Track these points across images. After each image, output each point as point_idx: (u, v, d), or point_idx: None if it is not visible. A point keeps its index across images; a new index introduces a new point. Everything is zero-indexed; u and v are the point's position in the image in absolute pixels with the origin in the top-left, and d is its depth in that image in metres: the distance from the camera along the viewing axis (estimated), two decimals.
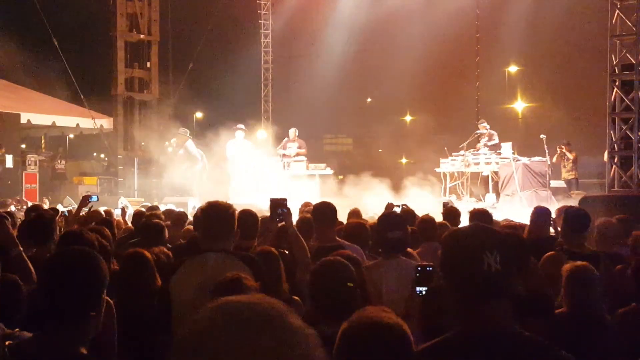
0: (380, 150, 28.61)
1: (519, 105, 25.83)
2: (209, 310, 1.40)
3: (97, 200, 9.35)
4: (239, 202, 11.48)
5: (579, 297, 4.24)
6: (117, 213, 11.36)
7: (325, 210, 6.20)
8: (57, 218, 7.04)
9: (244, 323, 1.35)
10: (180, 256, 5.10)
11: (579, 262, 4.40)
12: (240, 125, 19.15)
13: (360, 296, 3.75)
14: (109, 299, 3.93)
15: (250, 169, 18.68)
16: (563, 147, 19.05)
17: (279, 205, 5.55)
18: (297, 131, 20.02)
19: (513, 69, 25.92)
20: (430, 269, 3.56)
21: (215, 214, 4.48)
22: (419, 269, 3.63)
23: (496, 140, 18.26)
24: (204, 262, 4.33)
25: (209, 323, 1.37)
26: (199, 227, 5.59)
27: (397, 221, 5.26)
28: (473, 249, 2.30)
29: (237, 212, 4.62)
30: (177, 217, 8.86)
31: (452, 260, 2.37)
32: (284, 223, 5.65)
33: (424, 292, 3.54)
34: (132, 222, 8.90)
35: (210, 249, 4.37)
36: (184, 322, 1.44)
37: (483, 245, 2.30)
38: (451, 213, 8.32)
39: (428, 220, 7.36)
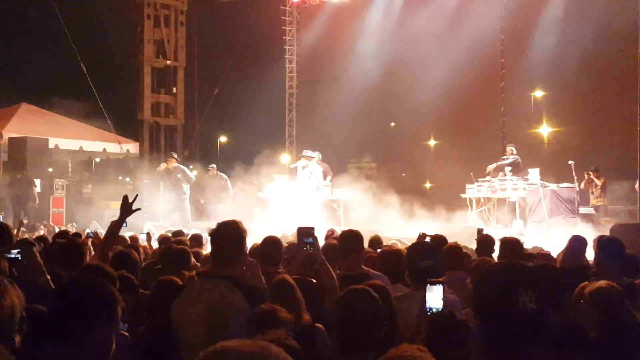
0: (404, 175, 28.50)
1: (545, 129, 25.65)
2: (205, 356, 1.37)
3: (126, 225, 9.39)
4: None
5: (607, 317, 4.07)
6: (142, 238, 11.39)
7: (352, 239, 6.16)
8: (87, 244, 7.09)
9: None
10: None
11: (602, 282, 4.28)
12: (305, 152, 18.99)
13: (389, 328, 3.69)
14: (124, 332, 3.93)
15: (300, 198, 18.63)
16: (591, 173, 18.87)
17: (306, 234, 5.52)
18: (320, 155, 20.01)
19: (539, 93, 25.76)
20: (440, 285, 3.50)
21: (219, 237, 4.34)
22: (429, 285, 3.56)
23: (516, 163, 17.98)
24: (202, 288, 4.24)
25: None
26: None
27: (429, 250, 5.20)
28: (507, 288, 2.25)
29: (244, 234, 4.40)
30: (198, 241, 8.91)
31: (485, 299, 2.32)
32: (311, 251, 5.61)
33: (434, 310, 3.47)
34: (158, 247, 8.92)
35: (214, 275, 4.26)
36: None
37: (517, 283, 2.25)
38: (485, 241, 8.15)
39: (455, 247, 7.20)
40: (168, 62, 23.57)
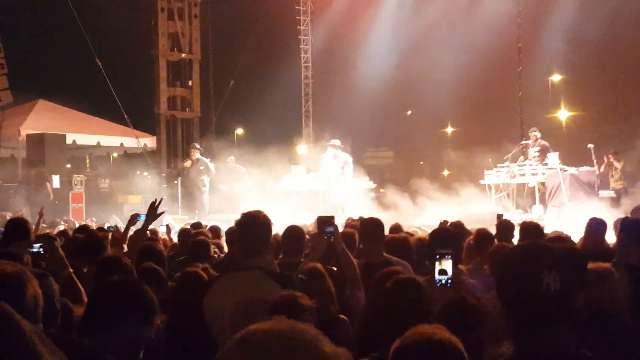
0: (421, 163, 28.47)
1: (563, 114, 25.52)
2: (234, 343, 1.37)
3: (145, 218, 9.44)
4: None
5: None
6: (162, 231, 11.45)
7: (373, 226, 6.19)
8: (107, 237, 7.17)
9: (274, 355, 1.31)
10: (219, 272, 5.10)
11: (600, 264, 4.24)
12: (333, 141, 18.89)
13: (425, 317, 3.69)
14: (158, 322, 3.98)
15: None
16: (610, 156, 18.76)
17: (326, 223, 5.54)
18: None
19: (556, 77, 25.63)
20: (449, 257, 3.48)
21: (247, 227, 4.33)
22: (438, 256, 3.55)
23: (548, 157, 17.81)
24: (235, 281, 4.22)
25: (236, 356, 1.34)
26: (235, 242, 5.61)
27: (449, 237, 5.20)
28: (530, 269, 2.26)
29: (271, 224, 4.41)
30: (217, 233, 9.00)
31: (508, 281, 2.32)
32: (332, 240, 5.63)
33: (442, 281, 3.46)
34: (178, 240, 8.98)
35: (244, 267, 4.26)
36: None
37: (540, 264, 2.25)
38: (505, 226, 8.13)
39: (486, 234, 7.06)
40: (183, 55, 23.63)
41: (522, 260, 2.33)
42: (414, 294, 3.53)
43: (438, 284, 3.51)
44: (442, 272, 3.50)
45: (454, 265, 3.49)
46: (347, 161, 18.25)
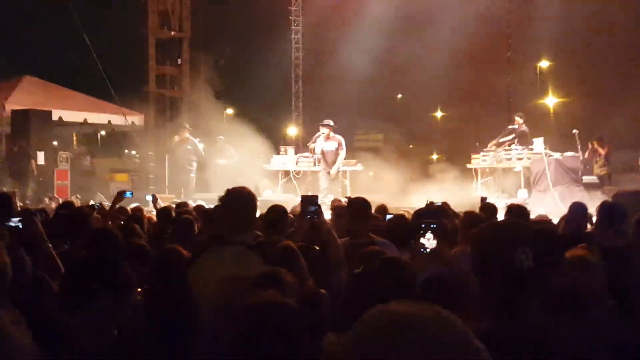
0: (411, 147, 28.50)
1: (551, 100, 25.59)
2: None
3: (132, 195, 9.44)
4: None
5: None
6: (149, 208, 11.47)
7: (360, 206, 6.21)
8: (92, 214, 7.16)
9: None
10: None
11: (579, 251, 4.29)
12: (327, 121, 18.70)
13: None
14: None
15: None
16: (595, 142, 18.86)
17: (310, 203, 5.55)
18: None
19: (544, 64, 25.69)
20: (434, 226, 3.48)
21: (233, 203, 4.33)
22: (423, 225, 3.53)
23: (523, 134, 17.85)
24: (220, 256, 4.20)
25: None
26: (219, 219, 5.61)
27: (433, 212, 5.23)
28: (504, 245, 2.29)
29: (256, 200, 4.43)
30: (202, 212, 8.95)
31: (483, 256, 2.36)
32: (315, 219, 5.64)
33: (428, 251, 3.45)
34: (158, 219, 8.90)
35: (229, 242, 4.24)
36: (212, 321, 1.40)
37: (515, 241, 2.28)
38: (488, 209, 8.21)
39: (475, 217, 6.74)
40: (173, 33, 23.51)
41: (497, 237, 2.36)
42: (396, 272, 3.56)
43: (423, 252, 3.52)
44: (427, 241, 3.52)
45: (438, 236, 3.51)
46: (341, 143, 18.15)
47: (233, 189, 4.42)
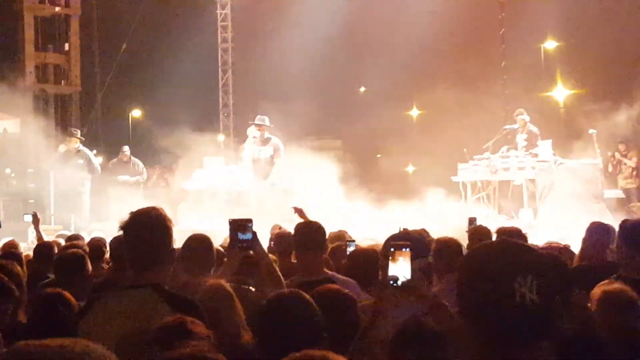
0: (379, 156, 28.58)
1: (560, 92, 25.89)
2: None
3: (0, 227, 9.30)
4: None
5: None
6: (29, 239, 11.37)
7: (310, 233, 6.21)
8: None
9: None
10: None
11: (615, 285, 4.34)
12: (260, 118, 18.55)
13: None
14: None
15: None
16: (619, 148, 19.10)
17: (241, 229, 5.48)
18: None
19: (550, 44, 25.98)
20: (407, 249, 3.47)
21: (138, 230, 4.24)
22: (392, 249, 3.53)
23: (537, 144, 18.08)
24: (120, 304, 4.14)
25: None
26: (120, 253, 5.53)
27: (408, 237, 5.19)
28: (501, 275, 2.24)
29: (170, 224, 4.33)
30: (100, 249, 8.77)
31: (473, 290, 2.31)
32: (249, 251, 5.59)
33: (399, 281, 3.44)
34: (34, 258, 8.65)
35: (134, 285, 4.19)
36: None
37: (514, 268, 2.24)
38: (479, 233, 8.20)
39: (448, 243, 6.90)
40: (57, 8, 23.31)
41: (491, 263, 2.31)
42: (296, 312, 3.60)
43: (393, 284, 3.47)
44: (398, 270, 3.47)
45: (413, 262, 3.47)
46: (279, 147, 18.12)
47: (138, 211, 4.35)
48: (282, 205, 18.47)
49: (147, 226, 4.23)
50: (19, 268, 6.52)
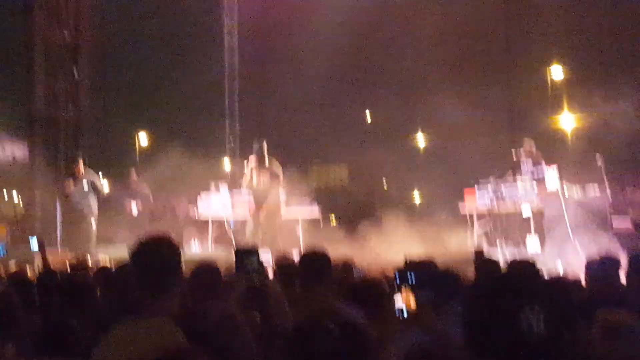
0: (385, 183, 28.57)
1: (567, 117, 25.85)
2: None
3: (6, 253, 9.31)
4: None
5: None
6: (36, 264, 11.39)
7: (315, 263, 6.20)
8: None
9: None
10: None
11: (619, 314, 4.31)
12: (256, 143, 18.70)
13: None
14: None
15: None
16: (627, 189, 19.00)
17: (248, 257, 5.50)
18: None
19: (557, 68, 25.97)
20: (412, 282, 3.47)
21: (149, 257, 4.24)
22: (398, 281, 3.53)
23: (542, 173, 18.08)
24: (134, 332, 4.06)
25: None
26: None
27: (417, 269, 5.19)
28: (507, 305, 2.24)
29: (179, 251, 4.34)
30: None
31: (477, 320, 2.30)
32: (255, 280, 5.59)
33: (404, 313, 3.44)
34: (38, 282, 8.61)
35: (146, 312, 4.16)
36: None
37: (521, 299, 2.24)
38: (487, 265, 8.12)
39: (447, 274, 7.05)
40: (67, 36, 23.38)
41: (497, 292, 2.31)
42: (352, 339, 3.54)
43: (398, 315, 3.49)
44: (404, 301, 3.49)
45: (419, 294, 3.48)
46: (277, 174, 18.11)
47: (148, 238, 4.36)
48: (286, 232, 18.56)
49: (157, 254, 4.24)
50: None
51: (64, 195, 20.15)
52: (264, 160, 18.23)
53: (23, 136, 23.79)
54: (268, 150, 19.35)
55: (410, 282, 3.59)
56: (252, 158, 18.40)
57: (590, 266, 7.29)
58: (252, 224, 18.09)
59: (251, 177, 18.48)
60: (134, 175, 20.32)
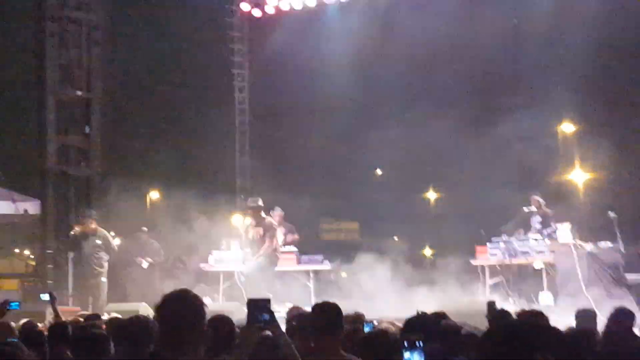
0: (395, 239, 28.52)
1: (578, 175, 25.85)
2: None
3: (18, 307, 9.27)
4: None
5: None
6: (47, 319, 11.34)
7: (327, 314, 6.25)
8: None
9: None
10: None
11: None
12: (250, 201, 18.90)
13: None
14: None
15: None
16: None
17: (260, 308, 5.49)
18: (282, 212, 20.18)
19: (568, 127, 26.03)
20: (420, 344, 3.47)
21: (174, 312, 4.29)
22: (405, 343, 3.52)
23: (552, 227, 18.10)
24: None
25: None
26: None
27: (425, 324, 5.21)
28: (521, 352, 2.24)
29: (204, 306, 4.43)
30: None
31: None
32: (267, 332, 5.59)
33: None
34: (50, 336, 8.55)
35: None
36: None
37: (534, 346, 2.24)
38: (499, 316, 8.12)
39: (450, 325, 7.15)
40: (79, 92, 23.50)
41: (509, 341, 2.31)
42: None
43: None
44: (412, 357, 3.47)
45: (428, 347, 3.47)
46: (271, 226, 18.25)
47: (173, 293, 4.42)
48: (297, 285, 18.57)
49: (183, 309, 4.29)
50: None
51: (72, 249, 20.17)
52: (259, 216, 18.36)
53: (35, 191, 23.85)
54: (279, 204, 19.67)
55: (419, 334, 3.58)
56: (249, 214, 18.61)
57: (609, 319, 7.28)
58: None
59: (247, 233, 18.61)
60: (144, 232, 20.34)
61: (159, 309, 4.37)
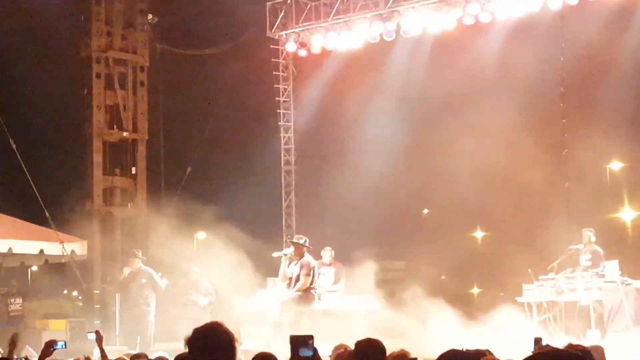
0: (443, 278, 28.39)
1: (627, 213, 25.64)
2: None
3: (65, 347, 9.35)
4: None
5: None
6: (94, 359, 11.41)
7: (371, 352, 6.21)
8: None
9: None
10: None
11: None
12: (296, 238, 18.98)
13: None
14: None
15: None
16: None
17: (302, 345, 5.51)
18: (332, 252, 20.19)
19: (616, 165, 25.84)
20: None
21: (204, 344, 4.32)
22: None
23: (601, 265, 17.94)
24: None
25: None
26: None
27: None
28: None
29: (235, 339, 4.46)
30: None
31: None
32: None
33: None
34: None
35: None
36: None
37: None
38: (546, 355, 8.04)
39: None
40: (125, 134, 23.82)
41: None
42: None
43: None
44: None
45: None
46: (307, 266, 18.08)
47: (203, 326, 4.46)
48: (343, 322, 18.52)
49: (213, 343, 4.32)
50: None
51: (122, 287, 20.31)
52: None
53: (82, 232, 24.06)
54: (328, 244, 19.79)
55: None
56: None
57: None
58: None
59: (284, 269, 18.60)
60: (196, 272, 20.44)
61: (189, 342, 4.37)
